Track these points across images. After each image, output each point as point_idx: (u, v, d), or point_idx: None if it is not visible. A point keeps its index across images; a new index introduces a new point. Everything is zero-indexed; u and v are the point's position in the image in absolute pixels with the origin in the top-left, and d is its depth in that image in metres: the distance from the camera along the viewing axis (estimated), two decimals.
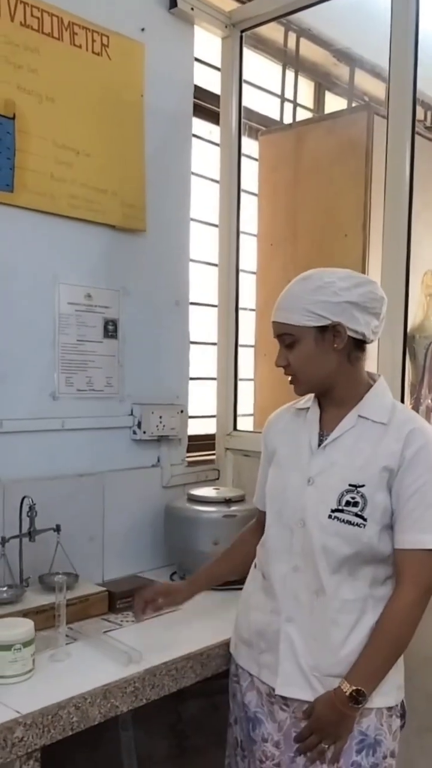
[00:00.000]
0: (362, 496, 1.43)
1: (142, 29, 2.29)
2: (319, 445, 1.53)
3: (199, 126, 2.68)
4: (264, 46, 3.09)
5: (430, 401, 2.51)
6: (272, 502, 1.58)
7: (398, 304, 2.12)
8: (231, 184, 2.64)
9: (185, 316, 2.52)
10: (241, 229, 2.68)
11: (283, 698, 1.50)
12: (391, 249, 2.16)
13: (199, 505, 2.23)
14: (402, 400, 2.13)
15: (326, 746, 1.42)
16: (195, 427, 2.66)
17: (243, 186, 2.69)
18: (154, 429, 2.33)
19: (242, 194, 2.68)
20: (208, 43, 2.65)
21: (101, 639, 1.69)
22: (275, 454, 1.62)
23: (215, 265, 2.71)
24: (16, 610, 1.71)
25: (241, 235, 2.68)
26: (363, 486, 1.44)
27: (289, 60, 3.20)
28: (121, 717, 1.52)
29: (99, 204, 2.17)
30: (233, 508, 2.19)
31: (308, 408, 1.59)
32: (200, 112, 2.64)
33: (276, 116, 3.18)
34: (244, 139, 2.71)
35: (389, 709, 1.47)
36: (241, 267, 2.69)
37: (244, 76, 2.67)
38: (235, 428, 2.65)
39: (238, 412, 2.69)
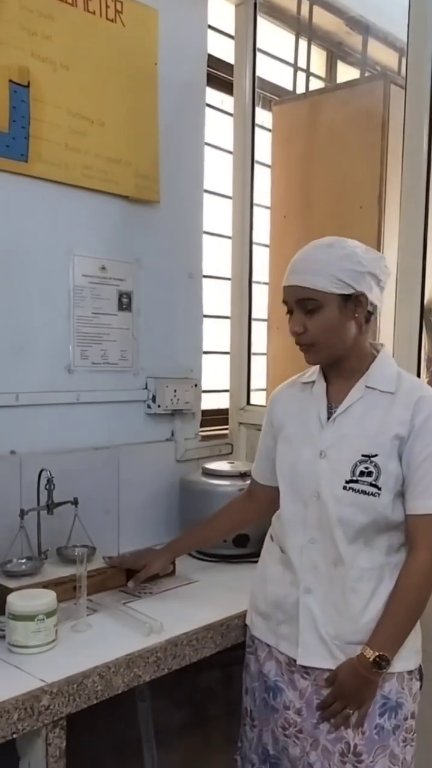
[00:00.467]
0: (375, 465, 1.45)
1: None
2: (329, 417, 1.53)
3: (211, 95, 2.64)
4: (277, 14, 3.03)
5: None
6: (284, 476, 1.59)
7: (415, 277, 2.11)
8: (245, 156, 2.61)
9: (199, 288, 2.50)
10: (255, 201, 2.65)
11: (304, 667, 1.51)
12: (408, 222, 2.13)
13: (214, 479, 2.24)
14: (418, 374, 2.12)
15: (351, 711, 1.44)
16: (208, 402, 2.65)
17: (256, 157, 2.65)
18: (169, 403, 2.32)
19: (255, 165, 2.65)
20: (220, 10, 2.60)
21: (121, 610, 1.70)
22: (283, 428, 1.62)
23: (228, 237, 2.68)
24: (35, 582, 1.71)
25: (255, 208, 2.65)
26: (376, 455, 1.45)
27: (302, 28, 3.14)
28: (138, 688, 1.53)
29: (113, 174, 2.14)
30: (248, 481, 2.19)
31: (313, 381, 1.59)
32: (212, 81, 2.60)
33: (288, 86, 3.13)
34: (257, 110, 2.67)
35: (409, 672, 1.50)
36: (254, 240, 2.66)
37: (257, 45, 2.62)
38: (248, 402, 2.65)
39: (251, 386, 2.68)
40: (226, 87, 2.72)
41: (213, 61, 2.57)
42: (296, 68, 3.12)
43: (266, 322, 2.77)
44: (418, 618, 1.47)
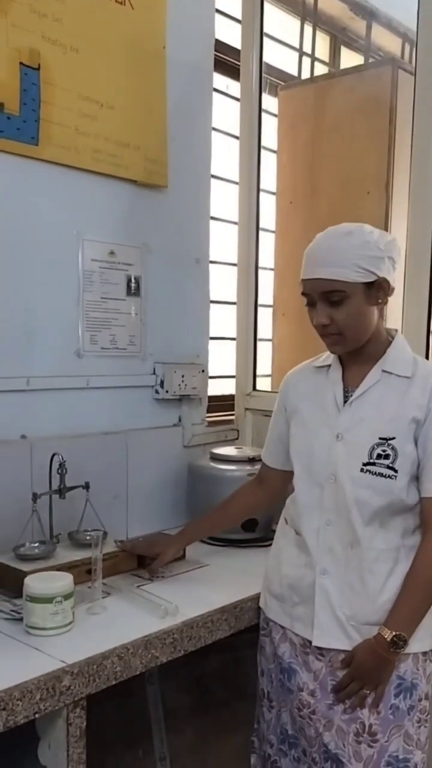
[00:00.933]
0: (393, 448, 1.46)
1: None
2: (345, 401, 1.54)
3: (217, 80, 2.62)
4: None
5: None
6: (300, 459, 1.59)
7: (424, 262, 2.12)
8: (251, 141, 2.60)
9: (206, 274, 2.49)
10: (261, 186, 2.65)
11: (319, 648, 1.53)
12: (417, 208, 2.13)
13: (222, 464, 2.24)
14: (427, 357, 2.13)
15: (368, 692, 1.46)
16: (214, 388, 2.66)
17: (262, 143, 2.65)
18: (177, 388, 2.32)
19: (261, 151, 2.64)
20: None
21: (135, 593, 1.71)
22: (297, 412, 1.63)
23: (235, 223, 2.68)
24: (48, 565, 1.71)
25: (261, 193, 2.65)
26: (393, 438, 1.46)
27: (307, 13, 3.13)
28: (147, 671, 1.55)
29: (122, 158, 2.13)
30: (256, 466, 2.20)
31: (329, 365, 1.60)
32: (218, 65, 2.59)
33: (293, 71, 3.12)
34: (263, 95, 2.66)
35: (424, 654, 1.51)
36: (260, 225, 2.66)
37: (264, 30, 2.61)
38: (254, 388, 2.65)
39: (257, 372, 2.68)
40: (232, 72, 2.70)
41: (219, 46, 2.56)
42: (301, 53, 3.11)
43: (272, 308, 2.78)
44: None
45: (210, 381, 2.56)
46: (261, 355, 2.72)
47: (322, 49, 3.34)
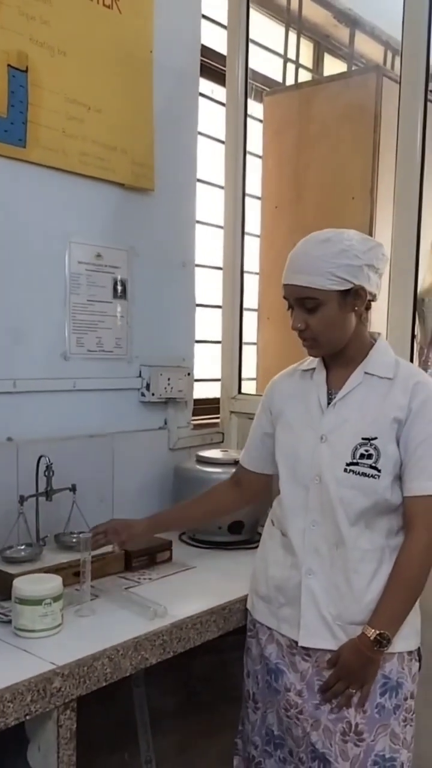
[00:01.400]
0: (375, 448, 1.48)
1: None
2: (329, 403, 1.55)
3: (202, 85, 2.64)
4: (267, 4, 3.04)
5: None
6: (285, 461, 1.61)
7: (408, 268, 2.14)
8: (237, 146, 2.61)
9: (191, 277, 2.51)
10: (247, 191, 2.66)
11: (305, 649, 1.54)
12: (402, 214, 2.16)
13: (208, 467, 2.25)
14: (411, 362, 2.15)
15: (353, 691, 1.47)
16: (199, 391, 2.66)
17: (248, 148, 2.66)
18: (163, 391, 2.33)
19: (247, 156, 2.66)
20: (212, 0, 2.61)
21: (123, 595, 1.71)
22: (282, 415, 1.64)
23: (220, 227, 2.69)
24: (35, 568, 1.71)
25: (246, 198, 2.67)
26: (376, 438, 1.48)
27: (292, 20, 3.16)
28: (133, 674, 1.55)
29: (109, 162, 2.14)
30: None
31: (313, 369, 1.62)
32: (203, 71, 2.60)
33: (277, 77, 3.15)
34: (248, 100, 2.68)
35: (409, 653, 1.53)
36: (246, 230, 2.67)
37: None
38: (239, 392, 2.67)
39: (242, 375, 2.70)
40: (217, 77, 2.72)
41: (204, 51, 2.57)
42: (286, 59, 3.14)
43: (257, 312, 2.79)
44: (417, 597, 1.50)
45: (195, 384, 2.57)
46: (246, 358, 2.73)
47: (306, 56, 3.37)
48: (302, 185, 2.64)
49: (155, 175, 2.29)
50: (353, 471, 1.48)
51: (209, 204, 2.71)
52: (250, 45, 2.68)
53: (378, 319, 2.24)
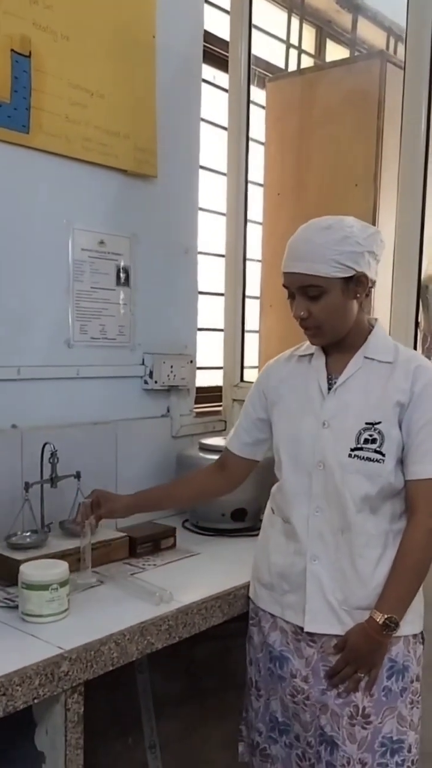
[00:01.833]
0: (379, 432, 1.48)
1: None
2: (329, 388, 1.55)
3: (204, 70, 2.62)
4: None
5: None
6: (286, 448, 1.60)
7: (413, 255, 2.14)
8: (240, 133, 2.61)
9: (194, 265, 2.50)
10: (249, 178, 2.65)
11: (310, 635, 1.54)
12: (406, 201, 2.15)
13: (211, 454, 2.24)
14: (414, 348, 2.15)
15: (362, 675, 1.48)
16: (201, 379, 2.66)
17: (250, 134, 2.65)
18: (165, 379, 2.33)
19: (250, 142, 2.65)
20: None
21: (129, 580, 1.72)
22: (280, 401, 1.64)
23: (223, 214, 2.68)
24: (41, 554, 1.72)
25: (249, 185, 2.66)
26: (380, 423, 1.48)
27: (294, 5, 3.14)
28: (137, 660, 1.56)
29: (112, 148, 2.13)
30: None
31: (311, 354, 1.62)
32: (205, 56, 2.58)
33: (279, 63, 3.13)
34: (251, 87, 2.67)
35: (414, 636, 1.54)
36: (248, 217, 2.67)
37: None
38: (241, 379, 2.67)
39: (244, 363, 2.70)
40: (219, 62, 2.71)
41: (206, 36, 2.56)
42: (288, 45, 3.12)
43: (259, 300, 2.79)
44: (422, 580, 1.51)
45: (198, 372, 2.57)
46: (248, 346, 2.73)
47: (309, 42, 3.35)
48: (305, 172, 2.63)
49: (158, 162, 2.28)
50: (358, 456, 1.48)
51: (212, 191, 2.70)
52: (253, 30, 2.66)
53: (382, 306, 2.25)
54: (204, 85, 2.54)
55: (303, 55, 3.22)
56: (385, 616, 1.44)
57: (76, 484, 1.94)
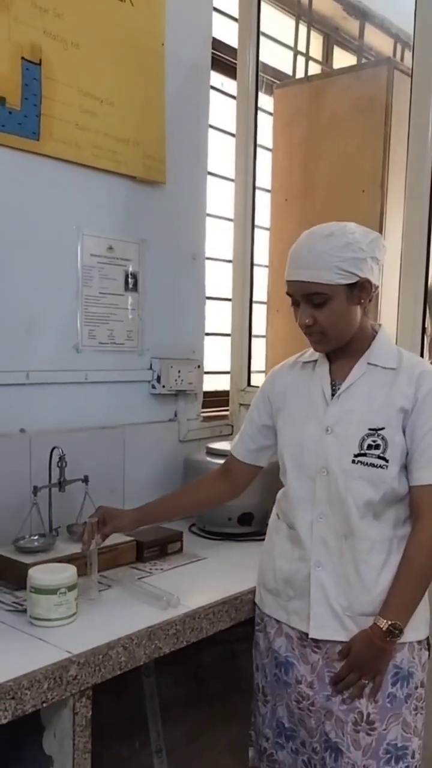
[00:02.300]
0: (383, 438, 1.48)
1: None
2: (333, 394, 1.56)
3: (212, 77, 2.64)
4: None
5: None
6: (290, 454, 1.61)
7: (419, 261, 2.15)
8: (248, 139, 2.62)
9: (201, 270, 2.52)
10: (257, 184, 2.67)
11: (315, 641, 1.54)
12: (413, 207, 2.16)
13: (218, 458, 2.24)
14: (421, 355, 2.16)
15: (366, 682, 1.48)
16: (209, 383, 2.67)
17: (258, 140, 2.67)
18: (173, 383, 2.34)
19: (257, 149, 2.66)
20: None
21: (136, 585, 1.72)
22: (284, 408, 1.64)
23: (230, 220, 2.70)
24: (49, 558, 1.72)
25: (256, 191, 2.67)
26: (383, 429, 1.48)
27: (302, 12, 3.15)
28: (143, 664, 1.56)
29: (121, 154, 2.14)
30: None
31: (315, 360, 1.62)
32: (214, 63, 2.60)
33: (286, 70, 3.14)
34: (259, 93, 2.68)
35: (419, 642, 1.54)
36: (256, 223, 2.68)
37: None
38: (248, 384, 2.68)
39: (251, 368, 2.71)
40: (227, 69, 2.73)
41: (215, 44, 2.57)
42: (296, 52, 3.13)
43: (266, 305, 2.80)
44: (426, 586, 1.51)
45: (205, 376, 2.58)
46: (255, 351, 2.74)
47: (316, 49, 3.37)
48: (312, 178, 2.64)
49: (166, 168, 2.30)
50: (361, 462, 1.48)
51: (220, 197, 2.72)
52: (261, 38, 2.68)
53: (389, 311, 2.26)
54: (212, 92, 2.56)
55: (310, 62, 3.24)
56: (389, 623, 1.44)
57: (84, 488, 1.94)
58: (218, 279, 2.75)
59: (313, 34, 3.28)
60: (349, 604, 1.51)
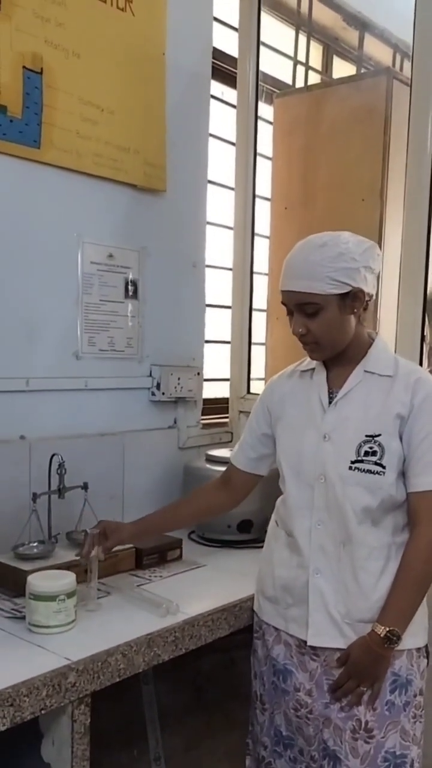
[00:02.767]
0: (380, 444, 1.48)
1: None
2: (330, 402, 1.56)
3: (212, 87, 2.65)
4: (278, 7, 3.06)
5: None
6: (288, 461, 1.61)
7: (419, 269, 2.15)
8: (248, 148, 2.63)
9: (202, 278, 2.52)
10: (256, 192, 2.68)
11: (313, 648, 1.54)
12: (412, 216, 2.17)
13: (218, 466, 2.25)
14: (420, 363, 2.16)
15: (364, 689, 1.47)
16: (208, 390, 2.68)
17: (258, 149, 2.68)
18: (173, 390, 2.34)
19: (257, 157, 2.68)
20: (223, 3, 2.63)
21: (135, 592, 1.72)
22: (283, 416, 1.65)
23: (230, 228, 2.71)
24: (47, 565, 1.72)
25: (256, 199, 2.68)
26: (380, 435, 1.49)
27: (302, 22, 3.17)
28: (142, 671, 1.56)
29: (122, 163, 2.16)
30: None
31: (312, 369, 1.63)
32: (214, 73, 2.61)
33: (286, 79, 3.16)
34: (259, 102, 2.70)
35: (418, 649, 1.54)
36: (255, 231, 2.69)
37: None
38: (248, 391, 2.68)
39: (251, 375, 2.71)
40: (227, 79, 2.74)
41: (215, 53, 2.59)
42: (296, 62, 3.15)
43: (266, 312, 2.81)
44: (424, 593, 1.51)
45: (205, 384, 2.59)
46: (255, 358, 2.75)
47: (316, 59, 3.39)
48: (312, 187, 2.66)
49: (167, 176, 2.31)
50: (358, 468, 1.49)
51: (220, 205, 2.73)
52: (261, 47, 2.70)
53: (388, 319, 2.26)
54: (213, 101, 2.57)
55: (310, 72, 3.26)
56: (387, 629, 1.44)
57: (83, 495, 1.95)
58: (218, 287, 2.76)
59: (312, 44, 3.30)
60: (347, 611, 1.51)
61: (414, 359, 2.11)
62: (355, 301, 1.49)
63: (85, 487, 1.94)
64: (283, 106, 2.76)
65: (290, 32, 3.19)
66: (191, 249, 2.46)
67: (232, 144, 2.71)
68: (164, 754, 2.02)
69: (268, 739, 1.66)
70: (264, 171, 2.78)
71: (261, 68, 2.72)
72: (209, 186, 2.57)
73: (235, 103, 2.70)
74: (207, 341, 2.60)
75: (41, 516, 1.86)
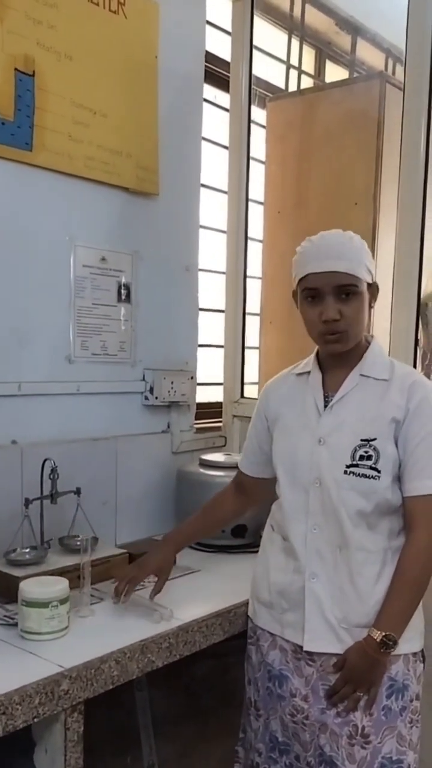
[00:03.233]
0: (375, 449, 1.48)
1: None
2: (326, 406, 1.56)
3: (205, 90, 2.65)
4: (271, 11, 3.06)
5: None
6: (283, 465, 1.61)
7: (412, 273, 2.16)
8: (241, 152, 2.64)
9: (195, 282, 2.51)
10: (250, 196, 2.68)
11: (309, 654, 1.53)
12: (406, 220, 2.17)
13: (211, 470, 2.26)
14: (414, 366, 2.16)
15: (361, 694, 1.47)
16: (202, 395, 2.67)
17: (251, 153, 2.68)
18: (166, 395, 2.33)
19: (250, 161, 2.68)
20: (215, 6, 2.63)
21: (129, 598, 1.70)
22: (279, 419, 1.65)
23: (223, 231, 2.70)
24: (40, 570, 1.71)
25: (249, 203, 2.68)
26: (375, 439, 1.49)
27: (294, 26, 3.18)
28: (136, 678, 1.55)
29: (114, 166, 2.15)
30: None
31: (308, 372, 1.63)
32: (207, 76, 2.61)
33: (279, 83, 3.16)
34: (252, 106, 2.70)
35: (414, 654, 1.53)
36: (249, 234, 2.69)
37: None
38: (242, 395, 2.68)
39: (245, 379, 2.71)
40: (220, 83, 2.74)
41: (208, 57, 2.59)
42: (289, 66, 3.15)
43: (259, 317, 2.80)
44: (420, 598, 1.50)
45: (198, 388, 2.58)
46: (248, 362, 2.75)
47: (308, 63, 3.39)
48: (305, 191, 2.65)
49: (159, 180, 2.30)
50: (353, 473, 1.48)
51: (213, 208, 2.72)
52: (254, 51, 2.70)
53: (382, 323, 2.26)
54: (205, 105, 2.57)
55: (303, 76, 3.26)
56: (383, 634, 1.43)
57: (76, 500, 1.93)
58: (211, 290, 2.75)
59: (305, 48, 3.31)
60: (344, 616, 1.50)
61: (407, 363, 2.10)
62: (375, 293, 1.54)
63: (77, 492, 1.93)
64: (276, 110, 2.75)
65: (283, 36, 3.19)
66: (184, 253, 2.45)
67: (225, 148, 2.71)
68: (158, 760, 2.00)
69: (263, 745, 1.65)
70: (257, 175, 2.77)
71: (254, 72, 2.72)
72: (202, 190, 2.56)
73: (228, 106, 2.70)
74: (200, 345, 2.60)
75: (33, 521, 1.84)
